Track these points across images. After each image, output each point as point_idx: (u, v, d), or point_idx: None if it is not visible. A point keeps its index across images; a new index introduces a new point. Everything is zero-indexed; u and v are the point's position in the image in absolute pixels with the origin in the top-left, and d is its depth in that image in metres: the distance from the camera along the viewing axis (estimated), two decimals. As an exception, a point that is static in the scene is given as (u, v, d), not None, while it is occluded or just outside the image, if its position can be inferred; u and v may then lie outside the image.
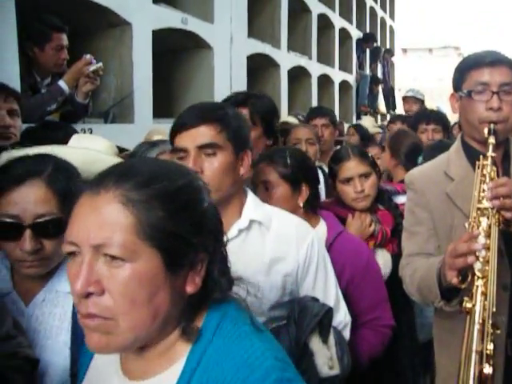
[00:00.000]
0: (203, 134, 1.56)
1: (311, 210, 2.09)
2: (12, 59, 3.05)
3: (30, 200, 1.35)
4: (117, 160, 1.48)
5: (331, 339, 1.61)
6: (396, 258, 2.27)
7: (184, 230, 0.95)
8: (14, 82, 2.90)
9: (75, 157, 1.54)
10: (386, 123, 5.83)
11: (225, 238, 1.50)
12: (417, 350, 2.64)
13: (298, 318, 1.59)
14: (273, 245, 1.64)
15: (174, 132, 1.61)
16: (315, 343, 1.57)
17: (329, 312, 1.60)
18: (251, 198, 1.71)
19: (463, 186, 1.78)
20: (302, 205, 2.05)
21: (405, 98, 6.84)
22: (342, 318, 1.75)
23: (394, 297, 2.16)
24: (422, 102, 6.84)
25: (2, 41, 2.98)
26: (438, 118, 4.17)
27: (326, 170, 3.49)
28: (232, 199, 1.64)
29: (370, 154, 2.62)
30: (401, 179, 3.05)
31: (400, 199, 2.77)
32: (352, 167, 2.44)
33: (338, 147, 3.28)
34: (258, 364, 0.95)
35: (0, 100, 2.40)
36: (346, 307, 1.77)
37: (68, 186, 1.39)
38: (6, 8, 3.00)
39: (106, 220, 0.92)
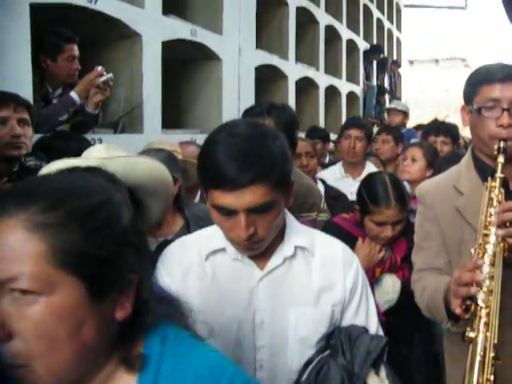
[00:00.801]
0: (255, 194, 1.32)
1: None
2: (25, 71, 3.09)
3: None
4: (156, 163, 1.35)
5: (382, 371, 1.50)
6: (407, 284, 2.19)
7: (106, 250, 0.84)
8: (27, 93, 2.95)
9: (114, 164, 1.49)
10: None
11: (268, 267, 1.49)
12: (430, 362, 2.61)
13: (346, 350, 1.47)
14: (319, 273, 1.53)
15: (215, 186, 1.35)
16: (370, 377, 1.46)
17: (385, 346, 1.50)
18: (292, 221, 1.58)
19: (473, 200, 1.76)
20: None
21: (388, 110, 6.87)
22: None
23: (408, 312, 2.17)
24: (405, 113, 6.85)
25: (16, 53, 3.03)
26: (447, 129, 4.19)
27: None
28: None
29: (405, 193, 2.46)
30: None
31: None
32: (390, 216, 2.33)
33: (372, 170, 3.23)
34: (222, 370, 0.91)
35: (10, 110, 2.44)
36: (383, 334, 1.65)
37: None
38: (22, 21, 3.06)
39: (9, 251, 0.80)
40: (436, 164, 3.28)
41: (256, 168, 1.31)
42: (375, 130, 7.37)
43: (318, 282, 1.52)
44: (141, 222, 1.64)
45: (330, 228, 2.31)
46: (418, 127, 6.65)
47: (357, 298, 1.57)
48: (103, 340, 0.86)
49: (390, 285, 2.36)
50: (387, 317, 2.22)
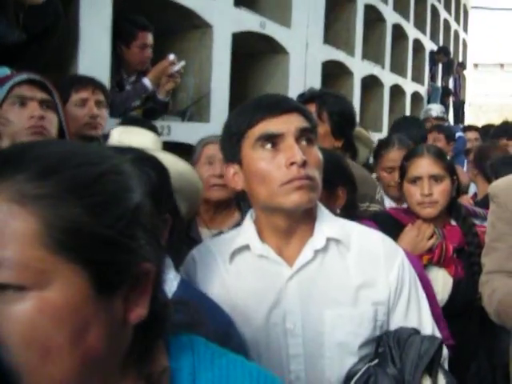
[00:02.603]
0: (301, 118, 1.34)
1: (348, 218, 1.70)
2: (105, 57, 3.19)
3: None
4: (186, 164, 1.37)
5: (441, 380, 1.30)
6: (460, 283, 2.05)
7: (115, 230, 0.64)
8: (105, 78, 3.03)
9: None
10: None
11: (297, 263, 1.32)
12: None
13: (395, 357, 1.29)
14: (357, 268, 1.36)
15: (260, 117, 1.31)
16: None
17: (440, 347, 1.32)
18: (323, 210, 1.43)
19: None
20: (338, 211, 1.77)
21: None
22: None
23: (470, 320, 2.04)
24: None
25: (98, 41, 3.14)
26: None
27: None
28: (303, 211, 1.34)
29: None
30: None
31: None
32: (423, 165, 2.13)
33: None
34: (265, 381, 0.80)
35: (89, 91, 2.53)
36: (441, 336, 1.44)
37: None
38: (104, 9, 3.17)
39: None
40: (488, 167, 3.18)
41: (294, 102, 1.38)
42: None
43: (356, 279, 1.35)
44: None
45: (377, 217, 2.17)
46: (469, 128, 6.48)
47: (404, 297, 1.39)
48: (115, 350, 0.67)
49: (440, 281, 2.07)
50: None
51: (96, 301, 0.63)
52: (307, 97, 2.51)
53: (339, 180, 1.81)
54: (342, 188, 1.82)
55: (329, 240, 1.36)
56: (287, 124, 1.29)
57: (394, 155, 2.82)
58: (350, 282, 1.35)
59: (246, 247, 1.38)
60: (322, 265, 1.36)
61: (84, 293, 0.62)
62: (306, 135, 1.32)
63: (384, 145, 2.91)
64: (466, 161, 5.32)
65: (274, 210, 1.33)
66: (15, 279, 0.59)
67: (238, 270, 1.38)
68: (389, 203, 2.79)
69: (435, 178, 2.12)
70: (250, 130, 1.31)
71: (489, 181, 2.90)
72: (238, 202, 2.28)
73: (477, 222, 2.30)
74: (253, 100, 1.41)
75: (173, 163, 1.44)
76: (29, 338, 0.59)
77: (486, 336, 2.17)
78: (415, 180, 2.14)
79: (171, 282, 1.25)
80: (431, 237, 2.09)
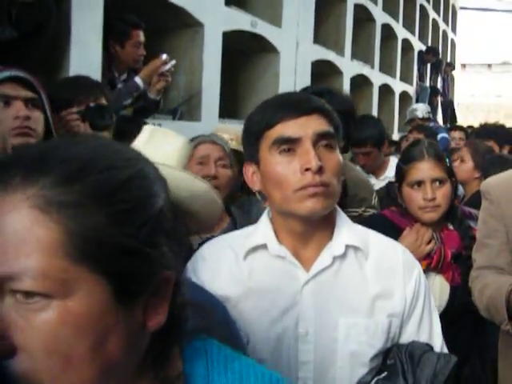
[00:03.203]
0: (319, 121, 1.29)
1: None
2: (97, 56, 3.18)
3: None
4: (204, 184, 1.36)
5: None
6: (457, 290, 2.02)
7: (138, 240, 0.63)
8: (97, 77, 3.01)
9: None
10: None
11: (315, 268, 1.28)
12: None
13: (407, 372, 1.25)
14: (374, 277, 1.32)
15: (278, 119, 1.27)
16: None
17: (455, 367, 1.27)
18: (342, 217, 1.38)
19: None
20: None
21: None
22: None
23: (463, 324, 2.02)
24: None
25: (90, 40, 3.13)
26: (493, 133, 4.16)
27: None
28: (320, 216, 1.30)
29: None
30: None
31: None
32: (425, 169, 2.06)
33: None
34: None
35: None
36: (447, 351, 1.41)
37: None
38: (95, 8, 3.15)
39: (10, 238, 0.58)
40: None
41: (316, 102, 1.31)
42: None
43: (373, 288, 1.31)
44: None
45: (373, 219, 2.13)
46: (455, 128, 6.53)
47: (419, 310, 1.35)
48: (133, 356, 0.67)
49: (438, 288, 2.03)
50: None
51: (117, 310, 0.62)
52: (313, 92, 2.46)
53: None
54: None
55: (348, 247, 1.32)
56: (305, 127, 1.24)
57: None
58: (366, 291, 1.30)
59: (263, 246, 1.33)
60: (340, 272, 1.31)
61: (105, 303, 0.61)
62: (326, 139, 1.26)
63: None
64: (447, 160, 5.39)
65: (289, 215, 1.29)
66: (40, 287, 0.58)
67: (252, 268, 1.33)
68: None
69: (437, 182, 2.06)
70: (268, 131, 1.27)
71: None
72: (228, 207, 2.21)
73: (472, 223, 2.22)
74: (275, 97, 1.36)
75: (188, 182, 1.39)
76: (52, 347, 0.59)
77: (478, 337, 2.12)
78: (416, 184, 2.07)
79: None
80: (429, 241, 2.05)
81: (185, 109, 4.19)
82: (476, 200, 3.07)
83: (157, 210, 0.66)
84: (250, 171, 1.34)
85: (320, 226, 1.31)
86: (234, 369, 0.77)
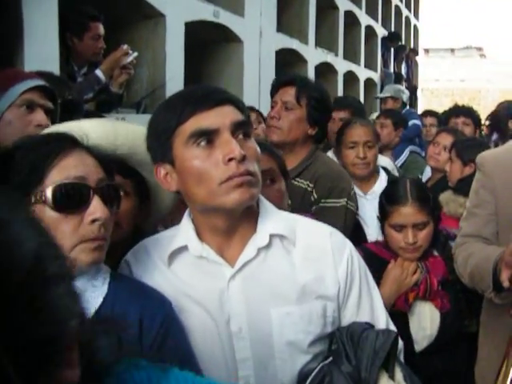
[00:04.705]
0: (234, 111, 1.26)
1: None
2: (53, 48, 3.09)
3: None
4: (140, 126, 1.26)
5: (398, 373, 1.26)
6: (447, 316, 2.01)
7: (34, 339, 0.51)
8: (54, 71, 2.94)
9: (91, 125, 1.34)
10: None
11: (239, 262, 1.26)
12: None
13: (350, 353, 1.23)
14: (303, 264, 1.30)
15: (190, 112, 1.23)
16: (382, 382, 1.21)
17: (396, 341, 1.26)
18: (265, 205, 1.35)
19: None
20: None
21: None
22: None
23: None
24: (393, 98, 6.51)
25: (44, 33, 3.03)
26: (467, 111, 4.20)
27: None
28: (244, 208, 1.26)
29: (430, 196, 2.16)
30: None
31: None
32: (408, 214, 2.04)
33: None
34: None
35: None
36: (395, 329, 1.39)
37: None
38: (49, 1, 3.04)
39: None
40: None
41: (225, 93, 1.28)
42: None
43: (303, 275, 1.29)
44: (149, 215, 1.53)
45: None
46: (426, 113, 6.56)
47: (355, 290, 1.34)
48: None
49: (428, 316, 2.04)
50: (430, 358, 1.99)
51: None
52: (287, 78, 2.44)
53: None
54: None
55: (272, 236, 1.29)
56: (221, 117, 1.21)
57: (356, 131, 2.80)
58: (296, 278, 1.28)
59: (185, 248, 1.29)
60: (266, 262, 1.28)
61: None
62: (242, 128, 1.23)
63: (346, 124, 2.91)
64: (418, 143, 5.45)
65: (213, 211, 1.25)
66: None
67: (178, 272, 1.30)
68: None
69: (419, 227, 2.05)
70: (181, 126, 1.21)
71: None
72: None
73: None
74: (180, 93, 1.31)
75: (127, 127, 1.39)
76: None
77: (475, 361, 2.03)
78: (399, 227, 2.07)
79: (94, 299, 1.15)
80: (415, 272, 2.04)
81: (149, 102, 4.13)
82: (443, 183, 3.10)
83: (29, 262, 0.53)
84: (162, 173, 1.28)
85: (243, 219, 1.28)
86: None
